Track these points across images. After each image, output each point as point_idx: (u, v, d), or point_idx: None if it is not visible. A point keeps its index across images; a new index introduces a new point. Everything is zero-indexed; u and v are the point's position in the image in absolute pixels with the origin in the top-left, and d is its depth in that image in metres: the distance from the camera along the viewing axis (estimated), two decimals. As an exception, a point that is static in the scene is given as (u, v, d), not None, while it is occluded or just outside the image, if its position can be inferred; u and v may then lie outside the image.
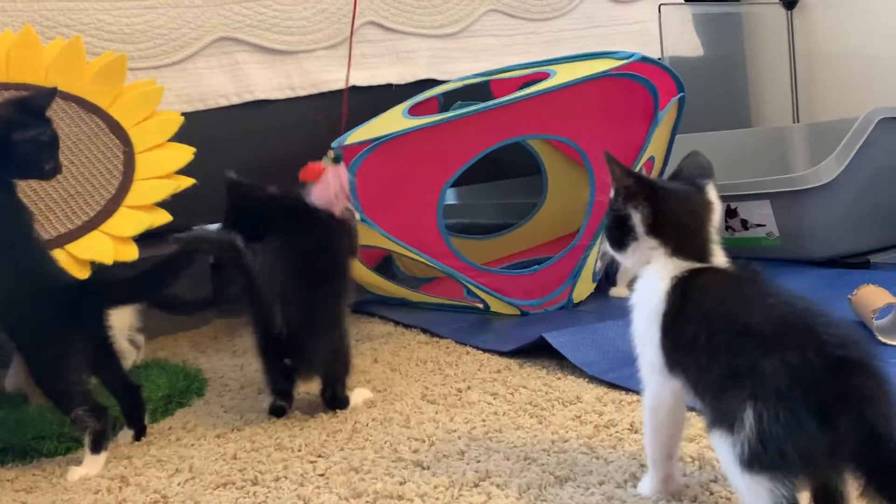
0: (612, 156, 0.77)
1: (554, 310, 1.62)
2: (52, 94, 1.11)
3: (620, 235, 0.77)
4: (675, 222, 0.76)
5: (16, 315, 1.06)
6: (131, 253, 1.28)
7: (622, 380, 1.14)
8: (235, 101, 1.74)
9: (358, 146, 1.57)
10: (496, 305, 1.61)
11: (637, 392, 1.10)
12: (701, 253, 0.75)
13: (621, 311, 1.54)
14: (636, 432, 0.98)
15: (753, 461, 0.62)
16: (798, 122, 2.55)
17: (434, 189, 1.58)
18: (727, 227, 1.84)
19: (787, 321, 0.65)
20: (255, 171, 1.78)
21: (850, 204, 1.71)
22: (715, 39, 2.43)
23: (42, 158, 1.07)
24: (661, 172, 1.76)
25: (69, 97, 1.36)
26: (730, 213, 1.83)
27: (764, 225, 1.78)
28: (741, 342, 0.65)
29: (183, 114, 1.43)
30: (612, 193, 0.78)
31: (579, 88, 1.55)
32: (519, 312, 1.60)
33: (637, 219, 0.76)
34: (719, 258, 0.76)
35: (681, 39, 2.28)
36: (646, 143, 1.61)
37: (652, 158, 1.68)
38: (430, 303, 1.75)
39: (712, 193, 0.78)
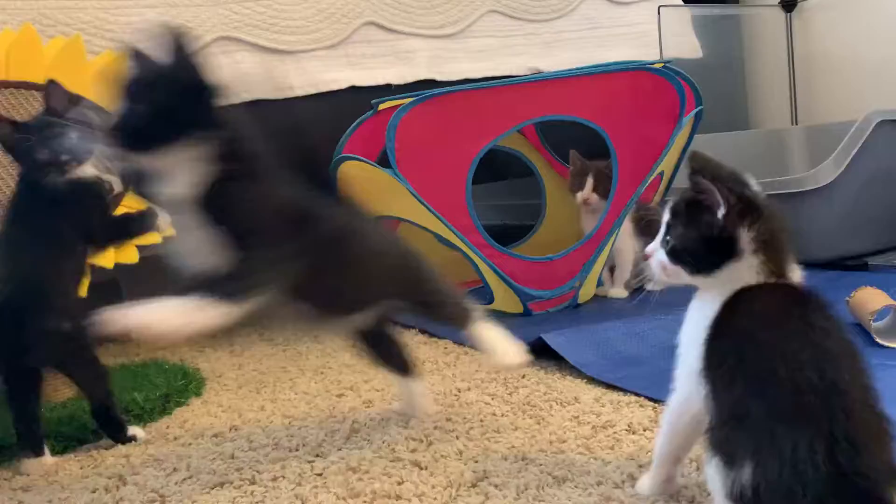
0: (708, 178, 0.71)
1: (556, 311, 1.62)
2: None
3: (717, 257, 0.71)
4: (779, 238, 0.72)
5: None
6: (131, 256, 1.29)
7: (620, 381, 1.14)
8: (234, 100, 1.74)
9: (397, 104, 1.60)
10: (501, 300, 1.61)
11: (634, 393, 1.10)
12: (785, 268, 0.72)
13: (620, 312, 1.56)
14: (634, 433, 0.98)
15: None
16: (796, 124, 2.55)
17: (467, 157, 1.58)
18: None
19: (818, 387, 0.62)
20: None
21: (849, 206, 1.71)
22: (714, 41, 2.43)
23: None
24: (667, 189, 1.77)
25: (68, 96, 1.36)
26: (728, 215, 1.83)
27: (762, 227, 1.78)
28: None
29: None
30: (719, 213, 0.70)
31: (615, 77, 1.63)
32: (521, 310, 1.60)
33: (748, 237, 0.70)
34: (796, 272, 0.73)
35: (680, 41, 2.28)
36: (669, 144, 1.63)
37: (661, 174, 1.69)
38: None
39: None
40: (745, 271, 0.71)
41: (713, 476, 0.65)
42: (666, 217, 0.75)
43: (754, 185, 0.73)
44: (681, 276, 0.74)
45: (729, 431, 0.64)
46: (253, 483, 0.95)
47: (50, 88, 1.13)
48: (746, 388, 0.64)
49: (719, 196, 0.70)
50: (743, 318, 0.69)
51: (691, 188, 0.73)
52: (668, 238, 0.75)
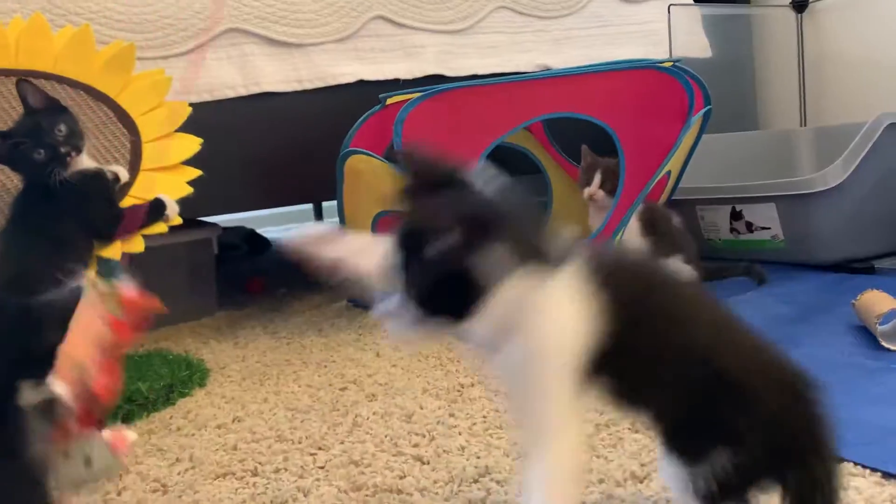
0: (422, 195, 0.55)
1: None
2: None
3: (476, 290, 0.53)
4: (534, 229, 0.58)
5: None
6: (137, 245, 1.28)
7: (624, 379, 1.14)
8: (243, 92, 1.74)
9: (405, 99, 1.60)
10: None
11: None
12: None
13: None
14: (636, 432, 0.98)
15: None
16: (805, 125, 2.54)
17: (474, 154, 1.58)
18: (732, 230, 1.83)
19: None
20: (261, 162, 1.80)
21: (856, 208, 1.71)
22: (724, 41, 2.42)
23: None
24: (674, 188, 1.76)
25: (78, 85, 1.36)
26: (735, 216, 1.83)
27: (769, 228, 1.78)
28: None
29: (190, 104, 1.43)
30: (440, 244, 0.52)
31: (624, 75, 1.64)
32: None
33: (506, 250, 0.53)
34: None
35: (690, 40, 2.27)
36: (677, 143, 1.62)
37: (668, 173, 1.69)
38: None
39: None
40: (534, 277, 0.55)
41: (675, 476, 0.60)
42: (393, 259, 0.55)
43: (489, 177, 0.58)
44: (448, 327, 0.55)
45: (693, 427, 0.59)
46: (255, 475, 0.95)
47: (24, 88, 1.12)
48: (696, 375, 0.59)
49: (440, 222, 0.52)
50: (638, 308, 0.59)
51: (410, 215, 0.56)
52: (407, 288, 0.55)
